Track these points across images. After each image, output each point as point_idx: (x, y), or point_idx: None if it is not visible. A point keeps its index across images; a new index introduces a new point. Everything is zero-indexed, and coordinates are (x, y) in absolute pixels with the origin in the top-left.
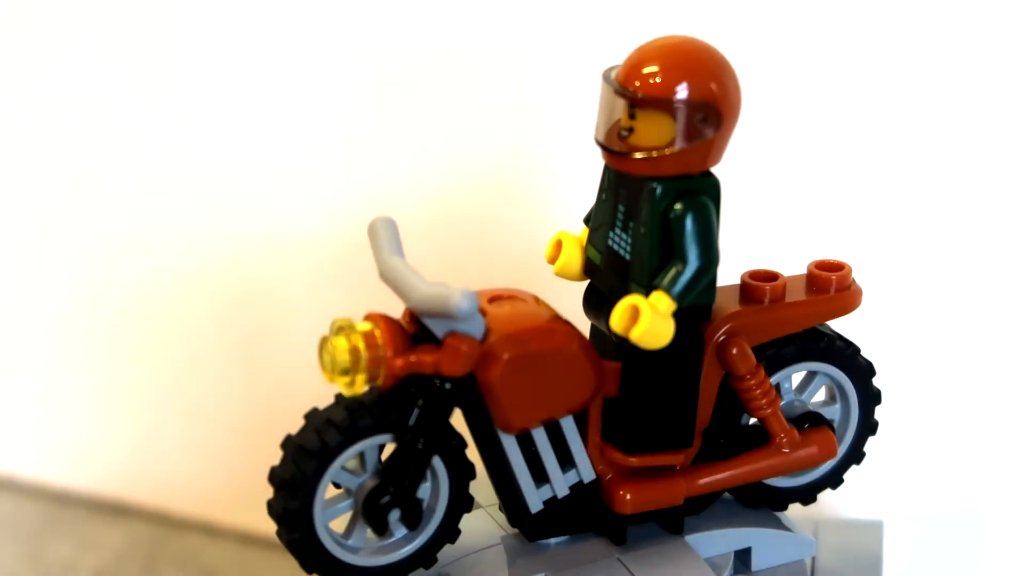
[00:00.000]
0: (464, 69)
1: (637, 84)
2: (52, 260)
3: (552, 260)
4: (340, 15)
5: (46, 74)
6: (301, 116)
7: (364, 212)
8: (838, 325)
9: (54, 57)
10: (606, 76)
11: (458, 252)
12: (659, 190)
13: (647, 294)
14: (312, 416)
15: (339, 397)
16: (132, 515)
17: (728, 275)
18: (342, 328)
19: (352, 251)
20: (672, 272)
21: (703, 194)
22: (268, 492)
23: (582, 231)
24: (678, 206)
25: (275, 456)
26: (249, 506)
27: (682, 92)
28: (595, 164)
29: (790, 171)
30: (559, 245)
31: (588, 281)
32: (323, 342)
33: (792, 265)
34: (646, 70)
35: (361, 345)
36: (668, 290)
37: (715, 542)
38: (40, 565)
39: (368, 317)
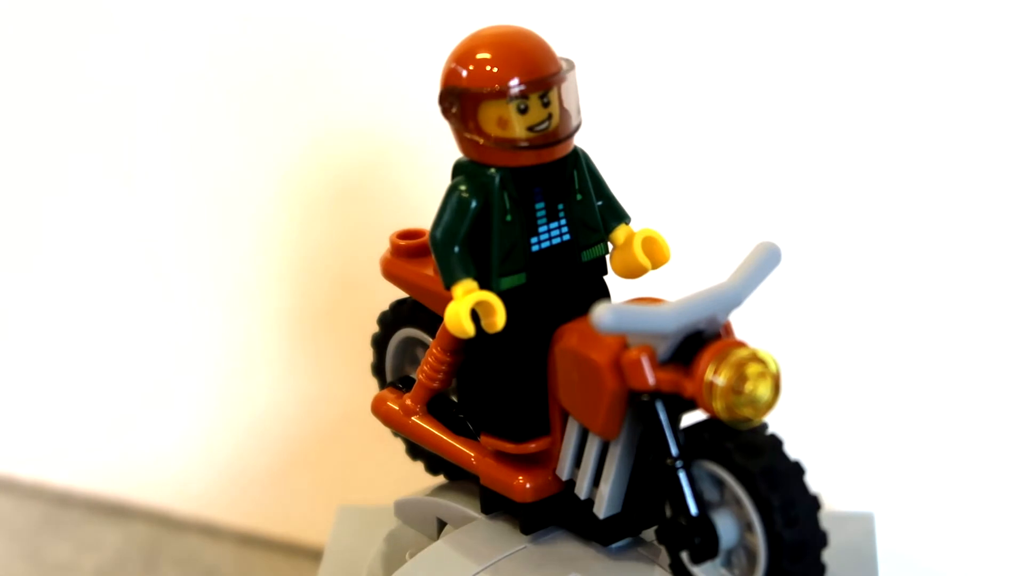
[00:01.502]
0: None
1: (549, 69)
2: (51, 259)
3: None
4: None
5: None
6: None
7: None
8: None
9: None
10: (502, 91)
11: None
12: (579, 153)
13: (606, 237)
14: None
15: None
16: (132, 515)
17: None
18: (745, 360)
19: (328, 244)
20: (612, 206)
21: None
22: (268, 492)
23: (465, 287)
24: (582, 157)
25: (274, 457)
26: (249, 506)
27: (561, 58)
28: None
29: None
30: (489, 309)
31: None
32: (754, 378)
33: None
34: (535, 56)
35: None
36: (625, 218)
37: None
38: (40, 565)
39: (734, 343)
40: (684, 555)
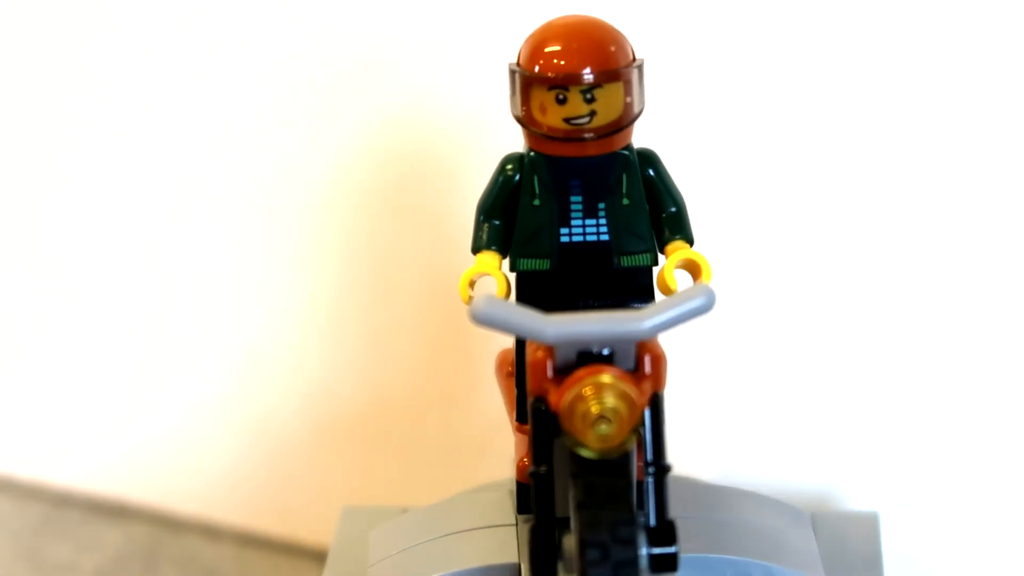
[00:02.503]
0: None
1: (598, 65)
2: (50, 260)
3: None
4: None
5: None
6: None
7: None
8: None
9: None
10: (543, 76)
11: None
12: (633, 157)
13: (654, 253)
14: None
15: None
16: (132, 515)
17: None
18: (601, 388)
19: (318, 242)
20: (678, 219)
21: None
22: (267, 491)
23: (483, 257)
24: (646, 164)
25: (274, 456)
26: (249, 506)
27: (629, 55)
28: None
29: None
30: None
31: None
32: (597, 413)
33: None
34: (587, 50)
35: (634, 395)
36: (686, 235)
37: (711, 566)
38: (40, 565)
39: (597, 370)
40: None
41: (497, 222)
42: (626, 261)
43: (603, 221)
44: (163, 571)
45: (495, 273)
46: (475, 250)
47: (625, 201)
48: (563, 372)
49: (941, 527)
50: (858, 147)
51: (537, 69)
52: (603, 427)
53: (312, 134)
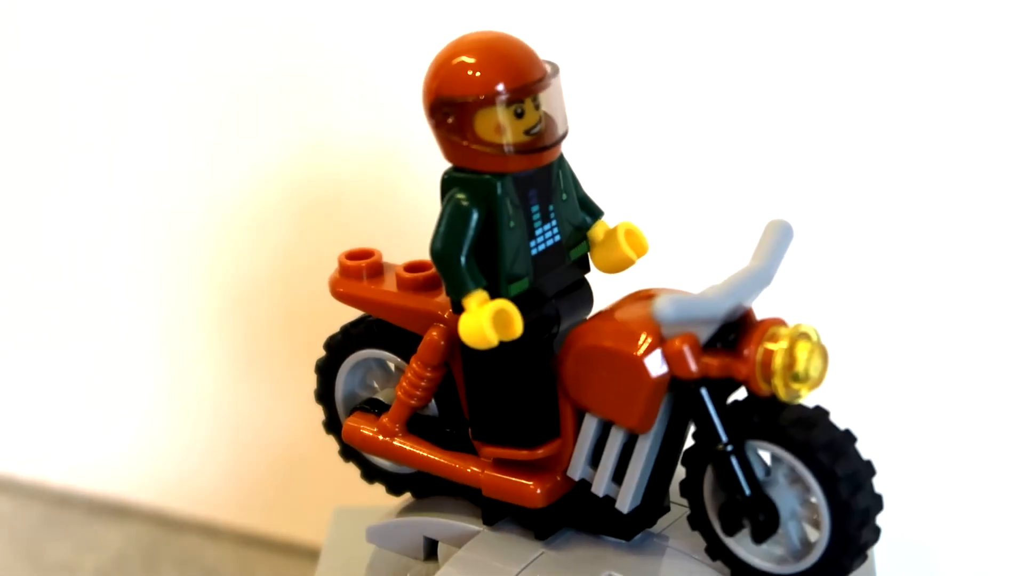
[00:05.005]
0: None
1: (542, 70)
2: (49, 260)
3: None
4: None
5: None
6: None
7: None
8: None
9: None
10: (499, 97)
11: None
12: (561, 155)
13: (587, 238)
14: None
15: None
16: (132, 515)
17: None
18: (799, 337)
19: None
20: (587, 203)
21: None
22: (268, 492)
23: (480, 297)
24: (562, 158)
25: (274, 456)
26: (249, 506)
27: (544, 60)
28: None
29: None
30: (507, 318)
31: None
32: (807, 353)
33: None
34: (525, 60)
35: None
36: (600, 214)
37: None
38: (40, 565)
39: (772, 324)
40: (745, 534)
41: (471, 260)
42: (574, 253)
43: (555, 222)
44: (163, 571)
45: (508, 306)
46: (465, 294)
47: (564, 196)
48: (707, 347)
49: (932, 525)
50: (842, 152)
51: (496, 88)
52: (815, 367)
53: (284, 150)
